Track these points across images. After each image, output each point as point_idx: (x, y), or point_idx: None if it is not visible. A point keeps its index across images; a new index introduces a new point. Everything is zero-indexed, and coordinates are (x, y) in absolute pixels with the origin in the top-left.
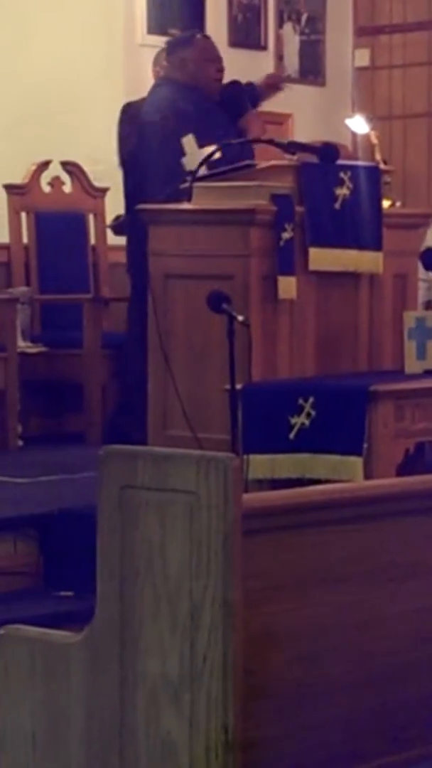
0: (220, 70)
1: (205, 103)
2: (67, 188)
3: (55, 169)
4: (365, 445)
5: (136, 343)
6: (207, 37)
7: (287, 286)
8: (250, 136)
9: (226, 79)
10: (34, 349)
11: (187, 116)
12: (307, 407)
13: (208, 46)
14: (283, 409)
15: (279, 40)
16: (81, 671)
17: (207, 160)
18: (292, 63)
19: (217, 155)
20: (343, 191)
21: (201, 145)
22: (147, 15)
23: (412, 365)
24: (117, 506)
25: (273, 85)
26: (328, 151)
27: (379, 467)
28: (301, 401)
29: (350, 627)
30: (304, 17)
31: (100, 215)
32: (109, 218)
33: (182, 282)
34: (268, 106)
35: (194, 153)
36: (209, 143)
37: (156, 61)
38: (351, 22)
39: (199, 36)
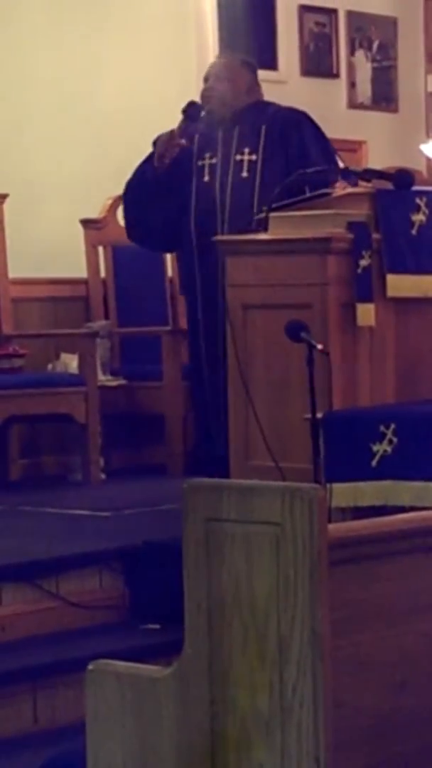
0: (206, 88)
1: (213, 125)
2: None
3: None
4: None
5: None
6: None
7: (366, 313)
8: None
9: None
10: (114, 383)
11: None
12: (389, 434)
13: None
14: (364, 437)
15: (351, 67)
16: (171, 706)
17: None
18: (365, 90)
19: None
20: (419, 217)
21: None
22: (218, 45)
23: None
24: (202, 540)
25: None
26: (403, 178)
27: None
28: (382, 428)
29: None
30: (375, 44)
31: None
32: None
33: (260, 312)
34: (343, 133)
35: None
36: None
37: None
38: (423, 48)
39: None
